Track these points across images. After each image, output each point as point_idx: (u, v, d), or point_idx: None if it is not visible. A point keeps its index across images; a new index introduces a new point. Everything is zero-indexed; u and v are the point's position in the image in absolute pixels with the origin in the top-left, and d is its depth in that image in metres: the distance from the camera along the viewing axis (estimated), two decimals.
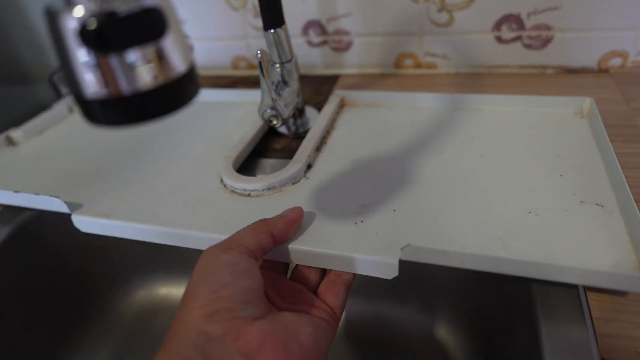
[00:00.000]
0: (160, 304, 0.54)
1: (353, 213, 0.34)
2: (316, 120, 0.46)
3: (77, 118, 0.56)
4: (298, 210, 0.32)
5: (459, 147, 0.40)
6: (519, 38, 0.52)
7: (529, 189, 0.35)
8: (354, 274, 0.31)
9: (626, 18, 0.48)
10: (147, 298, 0.54)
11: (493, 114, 0.45)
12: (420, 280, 0.46)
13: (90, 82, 0.19)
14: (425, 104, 0.48)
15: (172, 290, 0.54)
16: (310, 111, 0.51)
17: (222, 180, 0.40)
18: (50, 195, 0.39)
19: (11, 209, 0.44)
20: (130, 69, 0.18)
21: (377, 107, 0.49)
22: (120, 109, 0.19)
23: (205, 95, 0.55)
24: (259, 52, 0.39)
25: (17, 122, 0.53)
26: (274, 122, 0.43)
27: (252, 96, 0.53)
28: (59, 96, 0.59)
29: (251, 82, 0.59)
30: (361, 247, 0.31)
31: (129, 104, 0.19)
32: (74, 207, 0.39)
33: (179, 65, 0.20)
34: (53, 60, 0.58)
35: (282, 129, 0.49)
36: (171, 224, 0.35)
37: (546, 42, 0.51)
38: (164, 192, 0.40)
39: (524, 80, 0.52)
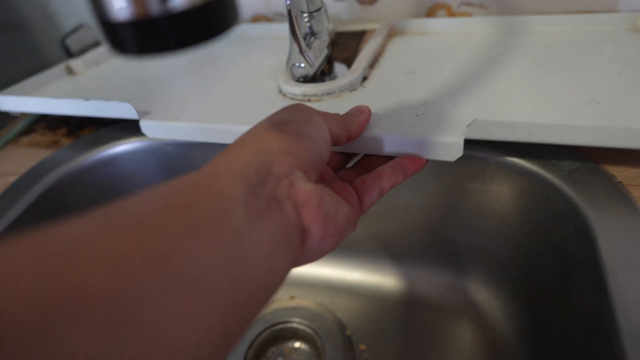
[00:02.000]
0: None
1: (414, 109, 0.36)
2: (364, 42, 0.47)
3: None
4: (368, 112, 0.33)
5: (514, 61, 0.41)
6: None
7: (588, 85, 0.35)
8: (393, 182, 0.30)
9: None
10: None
11: (544, 34, 0.45)
12: (455, 243, 0.44)
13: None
14: (476, 28, 0.48)
15: None
16: (339, 67, 0.47)
17: (280, 91, 0.42)
18: (120, 101, 0.41)
19: (30, 178, 0.42)
20: None
21: (427, 34, 0.50)
22: (152, 33, 0.16)
23: (257, 28, 0.58)
24: None
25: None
26: (303, 73, 0.40)
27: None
28: (70, 54, 0.57)
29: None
30: (425, 131, 0.32)
31: (162, 27, 0.16)
32: (142, 113, 0.42)
33: None
34: (63, 24, 0.55)
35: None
36: (237, 124, 0.38)
37: None
38: (226, 101, 0.42)
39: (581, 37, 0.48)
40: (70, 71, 0.55)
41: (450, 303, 0.44)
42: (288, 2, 0.36)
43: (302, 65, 0.40)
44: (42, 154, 0.45)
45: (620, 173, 0.31)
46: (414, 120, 0.34)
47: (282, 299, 0.47)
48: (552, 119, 0.31)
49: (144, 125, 0.41)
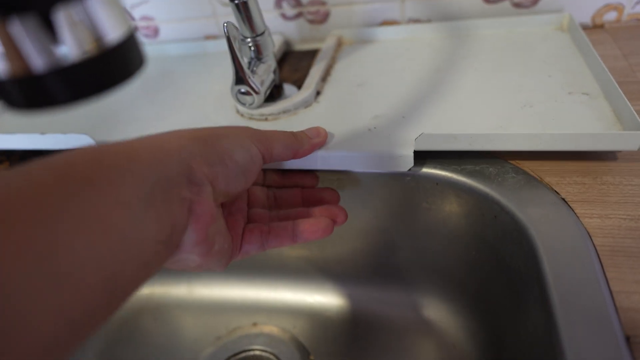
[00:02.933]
0: (144, 305, 0.51)
1: (366, 123, 0.37)
2: (316, 57, 0.48)
3: None
4: (325, 136, 0.34)
5: (454, 65, 0.43)
6: None
7: (522, 88, 0.38)
8: (279, 244, 0.30)
9: None
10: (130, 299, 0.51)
11: (480, 37, 0.48)
12: (404, 261, 0.43)
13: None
14: (419, 35, 0.50)
15: (156, 290, 0.51)
16: (289, 88, 0.47)
17: (238, 111, 0.43)
18: (78, 134, 0.41)
19: None
20: (42, 38, 0.15)
21: (373, 42, 0.51)
22: (40, 89, 0.15)
23: (207, 46, 0.57)
24: (225, 24, 0.35)
25: None
26: (249, 101, 0.40)
27: None
28: None
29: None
30: (378, 146, 0.34)
31: (50, 82, 0.15)
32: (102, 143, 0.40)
33: (109, 33, 0.17)
34: None
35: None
36: None
37: (535, 0, 0.48)
38: (185, 126, 0.40)
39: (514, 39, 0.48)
40: None
41: (413, 323, 0.44)
42: (225, 29, 0.36)
43: (247, 90, 0.39)
44: None
45: (563, 189, 0.32)
46: (366, 134, 0.36)
47: (244, 326, 0.46)
48: (490, 128, 0.34)
49: None
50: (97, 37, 0.16)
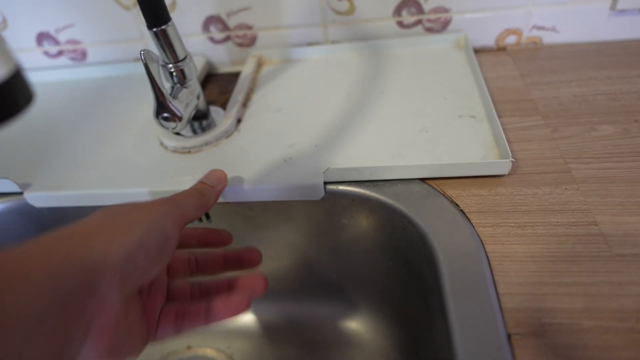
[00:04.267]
0: None
1: (283, 153, 0.40)
2: (238, 80, 0.50)
3: None
4: (225, 180, 0.34)
5: (365, 88, 0.47)
6: (419, 22, 0.52)
7: (420, 112, 0.42)
8: (192, 326, 0.28)
9: None
10: None
11: (391, 55, 0.52)
12: (330, 273, 0.45)
13: None
14: (333, 54, 0.53)
15: None
16: (215, 111, 0.48)
17: (162, 143, 0.43)
18: (0, 178, 0.41)
19: None
20: None
21: (292, 62, 0.54)
22: None
23: (122, 69, 0.58)
24: (142, 51, 0.36)
25: None
26: (172, 126, 0.40)
27: None
28: None
29: None
30: (292, 177, 0.37)
31: None
32: (24, 186, 0.41)
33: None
34: None
35: (186, 132, 0.46)
36: (124, 187, 0.39)
37: (445, 24, 0.52)
38: (110, 161, 0.43)
39: (419, 58, 0.52)
40: None
41: (344, 335, 0.45)
42: (142, 56, 0.36)
43: (169, 115, 0.40)
44: None
45: (462, 201, 0.35)
46: (283, 165, 0.39)
47: (178, 350, 0.46)
48: (391, 156, 0.38)
49: (29, 197, 0.41)
50: None
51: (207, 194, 0.31)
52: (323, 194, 0.37)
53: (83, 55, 0.59)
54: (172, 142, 0.43)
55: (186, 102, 0.41)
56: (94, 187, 0.40)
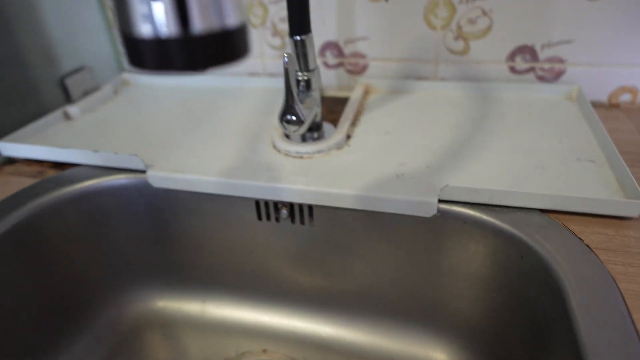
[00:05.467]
0: (154, 319, 0.50)
1: (394, 169, 0.41)
2: (347, 104, 0.53)
3: (123, 97, 0.62)
4: None
5: (475, 123, 0.48)
6: (532, 69, 0.53)
7: (535, 150, 0.42)
8: None
9: (637, 55, 0.49)
10: (141, 311, 0.51)
11: (500, 99, 0.52)
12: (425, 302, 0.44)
13: (145, 19, 0.18)
14: (441, 91, 0.55)
15: (169, 305, 0.51)
16: (327, 126, 0.50)
17: (275, 147, 0.46)
18: (129, 154, 0.44)
19: (8, 204, 0.42)
20: (184, 9, 0.17)
21: (398, 93, 0.56)
22: (170, 53, 0.18)
23: (247, 81, 0.62)
24: (285, 55, 0.39)
25: (12, 130, 0.52)
26: (294, 128, 0.43)
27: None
28: (68, 100, 0.58)
29: None
30: (405, 191, 0.38)
31: (179, 48, 0.18)
32: (148, 166, 0.44)
33: (233, 18, 0.20)
34: (63, 67, 0.57)
35: (296, 139, 0.48)
36: (238, 178, 0.41)
37: (558, 74, 0.53)
38: (225, 155, 0.45)
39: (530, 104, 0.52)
40: (67, 116, 0.56)
41: None
42: (286, 59, 0.39)
43: (294, 118, 0.42)
44: (24, 183, 0.45)
45: (587, 237, 0.33)
46: (394, 180, 0.39)
47: (253, 352, 0.46)
48: (508, 185, 0.38)
49: (151, 176, 0.43)
50: (221, 19, 0.19)
51: None
52: (435, 211, 0.37)
53: None
54: (286, 146, 0.45)
55: (309, 109, 0.44)
56: (210, 174, 0.42)
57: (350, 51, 0.58)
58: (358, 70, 0.59)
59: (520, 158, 0.41)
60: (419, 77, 0.57)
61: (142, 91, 0.63)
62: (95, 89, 0.61)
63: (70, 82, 0.57)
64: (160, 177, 0.43)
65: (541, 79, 0.53)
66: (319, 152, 0.44)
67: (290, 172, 0.42)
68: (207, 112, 0.55)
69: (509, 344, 0.38)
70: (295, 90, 0.41)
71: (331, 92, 0.61)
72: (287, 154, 0.45)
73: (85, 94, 0.60)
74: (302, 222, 0.43)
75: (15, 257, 0.41)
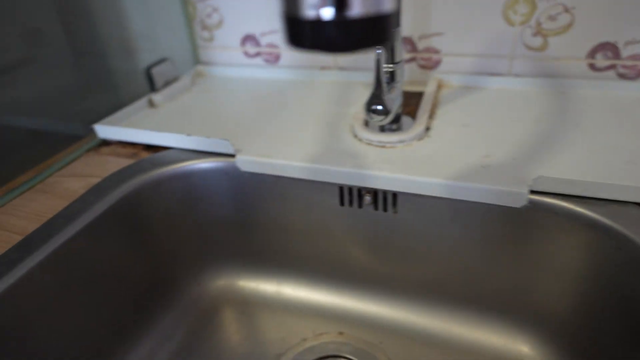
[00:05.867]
0: (233, 297, 0.53)
1: (478, 160, 0.41)
2: (423, 97, 0.54)
3: (199, 88, 0.65)
4: None
5: (556, 119, 0.48)
6: (613, 67, 0.52)
7: (622, 147, 0.41)
8: None
9: None
10: (221, 289, 0.53)
11: (579, 96, 0.52)
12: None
13: (310, 2, 0.20)
14: (519, 87, 0.55)
15: (248, 284, 0.53)
16: (404, 118, 0.51)
17: (355, 136, 0.47)
18: (221, 139, 0.46)
19: (113, 180, 0.45)
20: None
21: (471, 89, 0.56)
22: (328, 33, 0.20)
23: (307, 75, 0.64)
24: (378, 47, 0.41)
25: (105, 115, 0.55)
26: (379, 118, 0.44)
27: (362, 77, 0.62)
28: (152, 89, 0.61)
29: None
30: (493, 181, 0.38)
31: (337, 29, 0.20)
32: (237, 150, 0.46)
33: (387, 3, 0.21)
34: (147, 59, 0.61)
35: (375, 129, 0.49)
36: (323, 164, 0.43)
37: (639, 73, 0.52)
38: (308, 143, 0.47)
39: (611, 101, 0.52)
40: (151, 104, 0.59)
41: (503, 356, 0.44)
42: (379, 51, 0.41)
43: (380, 108, 0.44)
44: (122, 163, 0.48)
45: None
46: (480, 170, 0.40)
47: (330, 333, 0.47)
48: (601, 178, 0.37)
49: (240, 160, 0.46)
50: (377, 4, 0.20)
51: None
52: (525, 202, 0.38)
53: (277, 58, 0.67)
54: (369, 135, 0.46)
55: (393, 100, 0.45)
56: (296, 160, 0.44)
57: (424, 46, 0.58)
58: (431, 65, 0.59)
59: (608, 153, 0.41)
60: (492, 73, 0.57)
61: (216, 82, 0.66)
62: (174, 79, 0.65)
63: (155, 72, 0.61)
64: (249, 161, 0.45)
65: (622, 76, 0.53)
66: (401, 142, 0.46)
67: (375, 160, 0.43)
68: (284, 103, 0.57)
69: (601, 341, 0.38)
70: (384, 82, 0.43)
71: (404, 87, 0.62)
72: (369, 143, 0.46)
73: (166, 84, 0.63)
74: (384, 209, 0.45)
75: (118, 231, 0.44)
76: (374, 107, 0.44)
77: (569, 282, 0.40)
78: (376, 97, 0.43)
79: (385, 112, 0.44)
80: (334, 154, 0.45)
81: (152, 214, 0.47)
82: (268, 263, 0.53)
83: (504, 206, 0.39)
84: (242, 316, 0.50)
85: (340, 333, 0.47)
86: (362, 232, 0.47)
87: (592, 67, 0.53)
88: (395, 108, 0.45)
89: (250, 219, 0.50)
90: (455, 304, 0.47)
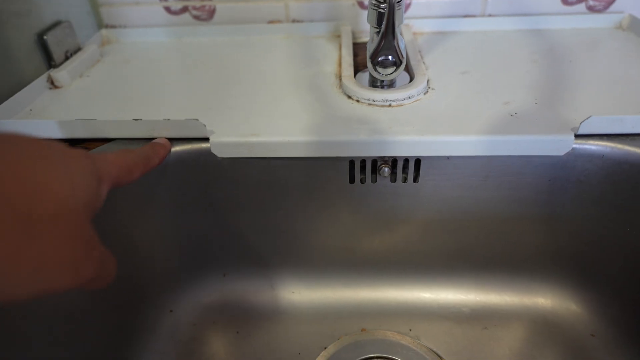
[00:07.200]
0: (219, 317, 0.42)
1: (501, 108, 0.37)
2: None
3: (112, 58, 0.50)
4: (169, 145, 0.35)
5: (547, 56, 0.45)
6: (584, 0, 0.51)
7: (632, 80, 0.39)
8: None
9: None
10: (202, 309, 0.42)
11: (552, 32, 0.50)
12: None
13: None
14: (490, 27, 0.51)
15: (236, 296, 0.43)
16: None
17: (350, 97, 0.39)
18: (186, 119, 0.35)
19: None
20: None
21: (445, 34, 0.51)
22: None
23: (262, 30, 0.53)
24: None
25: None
26: (390, 71, 0.36)
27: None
28: (50, 64, 0.45)
29: None
30: (529, 130, 0.34)
31: None
32: (209, 132, 0.36)
33: None
34: (30, 24, 0.44)
35: (365, 86, 0.41)
36: (331, 135, 0.35)
37: (609, 4, 0.51)
38: (297, 112, 0.38)
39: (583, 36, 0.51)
40: (53, 83, 0.44)
41: (544, 314, 0.41)
42: None
43: (391, 59, 0.36)
44: None
45: None
46: (511, 120, 0.35)
47: (351, 333, 0.40)
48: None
49: (215, 144, 0.35)
50: None
51: (147, 155, 0.31)
52: (569, 148, 0.34)
53: (211, 13, 0.54)
54: (371, 94, 0.38)
55: (403, 49, 0.37)
56: (293, 135, 0.35)
57: None
58: None
59: (624, 86, 0.38)
60: (466, 15, 0.53)
61: (132, 50, 0.51)
62: (77, 49, 0.49)
63: (50, 40, 0.45)
64: (229, 143, 0.35)
65: (591, 8, 0.52)
66: (409, 97, 0.39)
67: (390, 122, 0.36)
68: (236, 69, 0.45)
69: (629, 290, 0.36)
70: (397, 25, 0.35)
71: (365, 38, 0.54)
72: (370, 104, 0.38)
73: (67, 56, 0.47)
74: (404, 180, 0.38)
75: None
76: (382, 58, 0.36)
77: (609, 226, 0.37)
78: (387, 46, 0.35)
79: (397, 63, 0.36)
80: (338, 122, 0.36)
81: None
82: (262, 268, 0.43)
83: (543, 156, 0.35)
84: (238, 339, 0.41)
85: (363, 329, 0.41)
86: (376, 210, 0.39)
87: (564, 1, 0.51)
88: (405, 55, 0.37)
89: (233, 219, 0.40)
90: (480, 272, 0.43)
